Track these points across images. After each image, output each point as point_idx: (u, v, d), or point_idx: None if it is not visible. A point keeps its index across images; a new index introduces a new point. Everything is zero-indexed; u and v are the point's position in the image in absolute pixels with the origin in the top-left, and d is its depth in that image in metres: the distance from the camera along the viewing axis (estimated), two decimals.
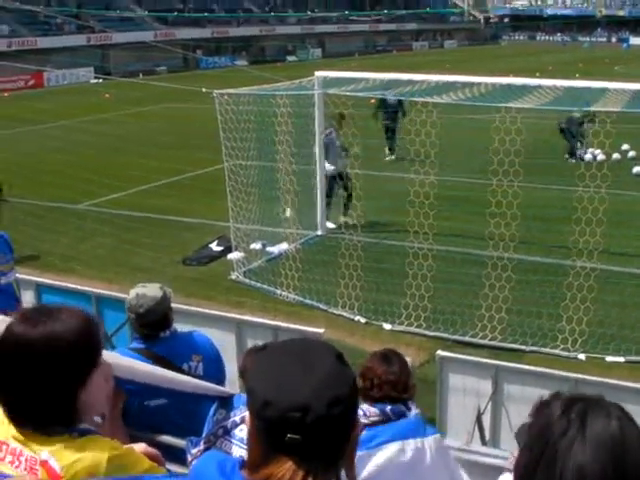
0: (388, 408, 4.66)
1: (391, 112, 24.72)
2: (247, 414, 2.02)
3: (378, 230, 16.61)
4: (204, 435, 4.57)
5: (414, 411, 4.76)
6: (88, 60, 61.66)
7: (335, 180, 16.87)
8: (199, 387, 4.71)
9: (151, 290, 5.55)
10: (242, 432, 4.44)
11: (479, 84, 14.45)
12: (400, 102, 23.33)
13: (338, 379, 1.96)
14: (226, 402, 4.78)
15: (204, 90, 14.86)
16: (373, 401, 4.67)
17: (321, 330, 8.12)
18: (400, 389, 4.69)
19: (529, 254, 14.70)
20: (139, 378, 4.40)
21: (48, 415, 2.49)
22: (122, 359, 4.34)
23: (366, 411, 4.63)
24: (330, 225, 16.93)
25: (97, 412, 2.64)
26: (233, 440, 4.47)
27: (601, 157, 21.63)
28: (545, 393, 6.34)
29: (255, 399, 1.97)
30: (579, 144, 24.00)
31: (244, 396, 5.00)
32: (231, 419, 4.54)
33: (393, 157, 24.86)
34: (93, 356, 2.48)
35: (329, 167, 16.61)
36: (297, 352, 2.02)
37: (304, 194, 15.79)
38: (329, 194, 16.96)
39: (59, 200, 20.17)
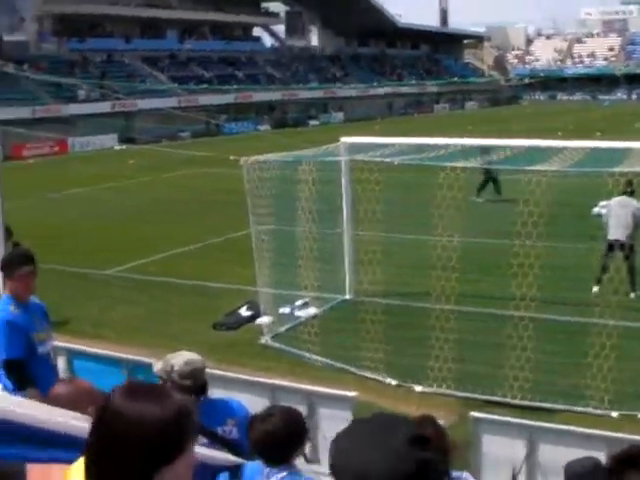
0: None
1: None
2: None
3: (401, 293, 16.56)
4: None
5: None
6: (112, 127, 62.32)
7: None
8: (207, 457, 4.52)
9: (186, 357, 5.64)
10: None
11: (505, 147, 14.54)
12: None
13: (400, 457, 2.09)
14: (236, 472, 4.76)
15: (232, 158, 15.00)
16: None
17: (353, 393, 8.17)
18: None
19: (553, 313, 14.78)
20: None
21: None
22: None
23: None
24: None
25: None
26: None
27: None
28: (581, 453, 6.25)
29: (329, 462, 2.18)
30: None
31: (256, 464, 4.98)
32: None
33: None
34: (180, 442, 2.39)
35: None
36: (372, 429, 2.18)
37: (331, 258, 15.89)
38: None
39: (85, 266, 20.26)
